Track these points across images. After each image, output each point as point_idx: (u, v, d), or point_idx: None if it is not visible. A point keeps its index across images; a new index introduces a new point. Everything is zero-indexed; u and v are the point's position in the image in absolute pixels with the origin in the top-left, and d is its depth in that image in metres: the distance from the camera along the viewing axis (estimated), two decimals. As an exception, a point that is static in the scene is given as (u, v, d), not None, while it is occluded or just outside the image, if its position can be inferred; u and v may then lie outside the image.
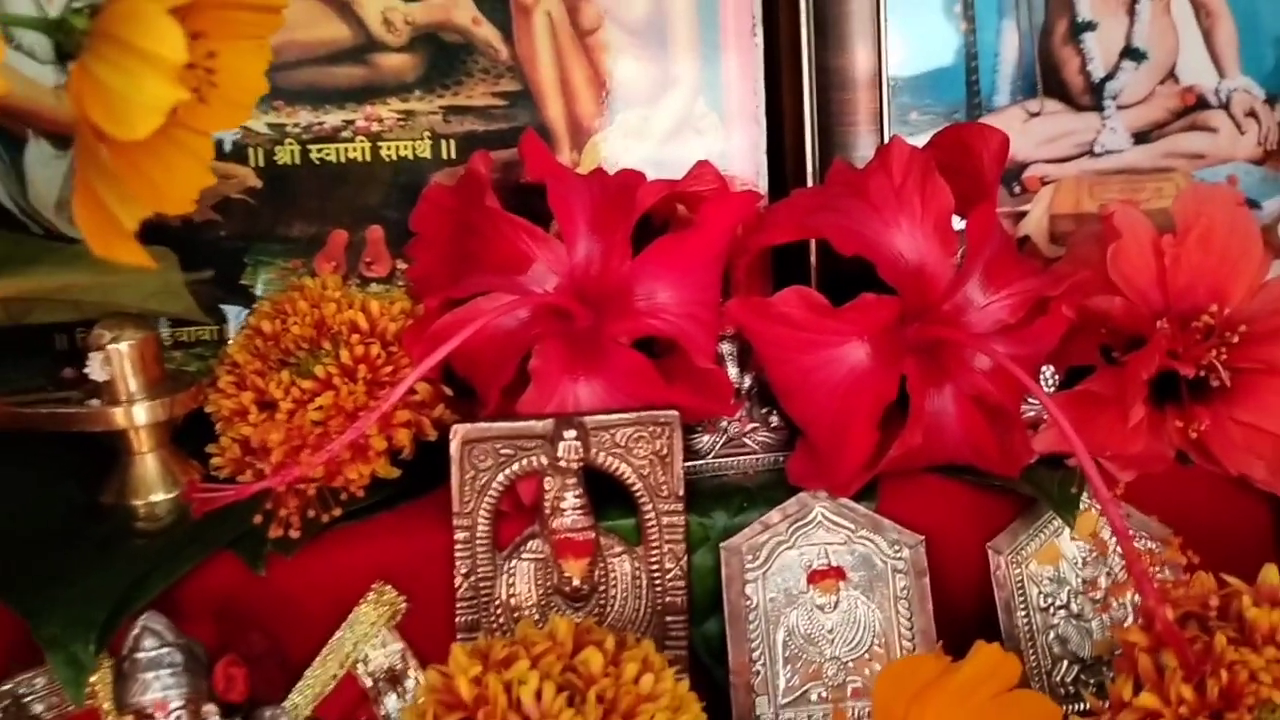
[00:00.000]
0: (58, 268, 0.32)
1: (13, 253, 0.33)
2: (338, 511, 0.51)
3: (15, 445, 0.58)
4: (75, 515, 0.56)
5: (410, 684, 0.53)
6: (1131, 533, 0.51)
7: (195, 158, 0.41)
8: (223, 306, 0.65)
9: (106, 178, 0.36)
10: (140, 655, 0.46)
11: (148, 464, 0.56)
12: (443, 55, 0.64)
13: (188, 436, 0.58)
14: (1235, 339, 0.58)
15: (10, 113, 0.58)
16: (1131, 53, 0.69)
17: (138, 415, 0.55)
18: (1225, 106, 0.71)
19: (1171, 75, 0.70)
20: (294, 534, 0.50)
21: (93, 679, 0.49)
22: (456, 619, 0.54)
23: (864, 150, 0.67)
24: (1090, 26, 0.69)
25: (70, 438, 0.57)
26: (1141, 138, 0.70)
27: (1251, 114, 0.71)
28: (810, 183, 0.67)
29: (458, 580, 0.54)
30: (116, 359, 0.54)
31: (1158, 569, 0.49)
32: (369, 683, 0.53)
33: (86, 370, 0.54)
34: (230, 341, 0.58)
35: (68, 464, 0.59)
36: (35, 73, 0.60)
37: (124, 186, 0.36)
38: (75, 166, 0.37)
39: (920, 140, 0.65)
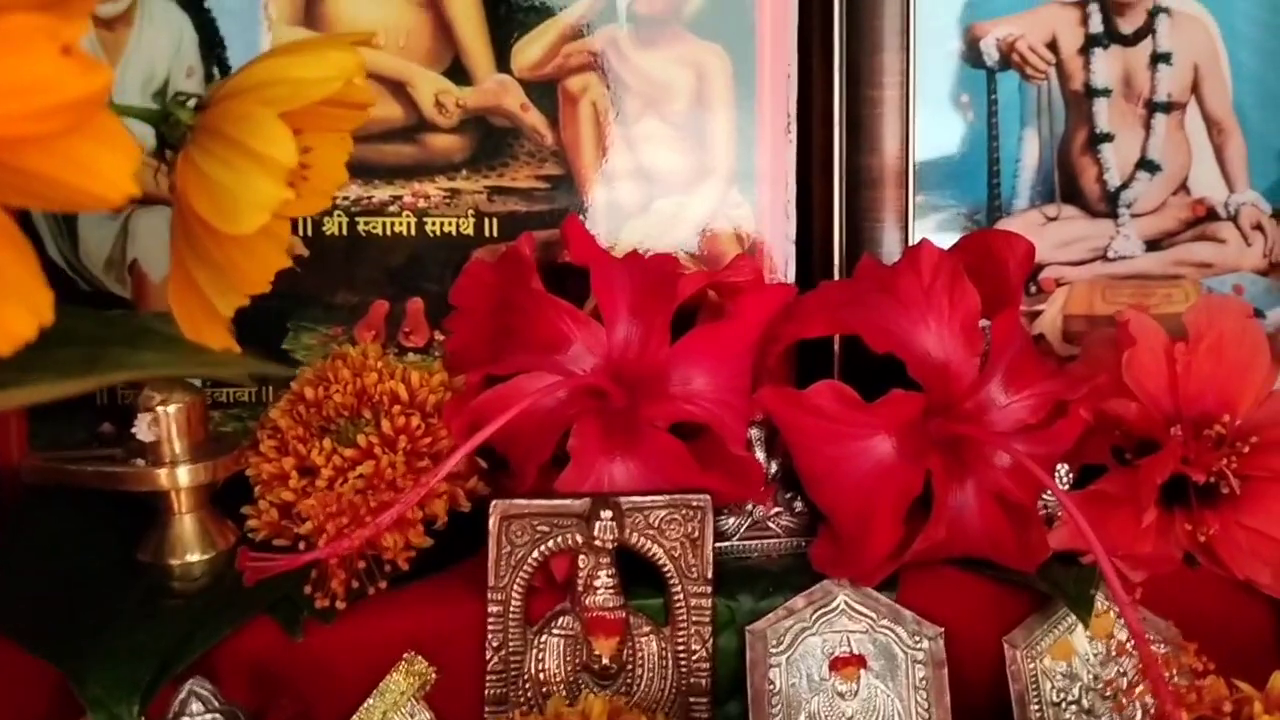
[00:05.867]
0: (159, 352, 0.33)
1: (104, 333, 0.34)
2: (383, 585, 0.52)
3: (54, 497, 0.59)
4: (113, 572, 0.56)
5: (436, 754, 0.54)
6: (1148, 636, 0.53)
7: (276, 242, 0.42)
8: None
9: (206, 266, 0.37)
10: (186, 720, 0.47)
11: (186, 525, 0.57)
12: (490, 138, 0.66)
13: (221, 495, 0.59)
14: (1245, 448, 0.60)
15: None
16: (1146, 164, 0.72)
17: (181, 477, 0.55)
18: (1234, 219, 0.74)
19: (1183, 187, 0.73)
20: (340, 605, 0.51)
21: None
22: (485, 691, 0.54)
23: (889, 245, 0.69)
24: (1108, 138, 0.72)
25: (110, 492, 0.57)
26: (1153, 245, 0.73)
27: (1258, 227, 0.74)
28: (836, 274, 0.70)
29: (488, 653, 0.55)
30: (164, 421, 0.55)
31: (1171, 673, 0.50)
32: (396, 752, 0.54)
33: (134, 430, 0.55)
34: (271, 405, 0.59)
35: (105, 517, 0.59)
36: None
37: (223, 275, 0.37)
38: (172, 252, 0.39)
39: (943, 238, 0.67)
